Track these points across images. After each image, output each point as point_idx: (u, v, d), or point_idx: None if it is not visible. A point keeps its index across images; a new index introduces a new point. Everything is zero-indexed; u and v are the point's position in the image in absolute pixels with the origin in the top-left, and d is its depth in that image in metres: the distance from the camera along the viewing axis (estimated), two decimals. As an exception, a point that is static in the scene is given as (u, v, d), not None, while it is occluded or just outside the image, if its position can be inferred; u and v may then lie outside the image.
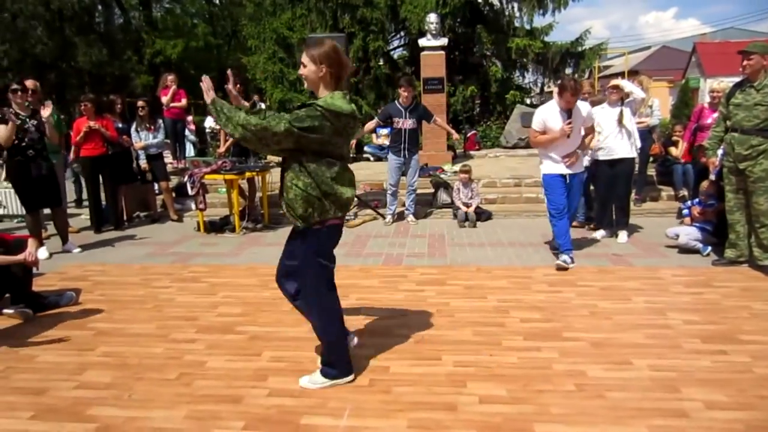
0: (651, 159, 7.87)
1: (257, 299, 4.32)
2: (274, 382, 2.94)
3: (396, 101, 7.03)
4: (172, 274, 5.07)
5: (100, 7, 12.72)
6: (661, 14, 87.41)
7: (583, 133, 5.17)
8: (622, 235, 5.99)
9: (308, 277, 2.87)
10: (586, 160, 5.94)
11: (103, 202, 7.19)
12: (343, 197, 2.78)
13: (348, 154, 2.95)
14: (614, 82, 6.03)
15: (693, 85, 25.34)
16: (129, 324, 3.85)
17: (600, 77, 21.38)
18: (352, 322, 3.76)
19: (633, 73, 8.75)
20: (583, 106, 5.11)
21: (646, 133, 6.98)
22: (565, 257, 4.94)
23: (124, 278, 4.99)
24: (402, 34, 15.77)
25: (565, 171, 5.06)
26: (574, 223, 6.72)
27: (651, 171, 8.03)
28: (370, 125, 7.34)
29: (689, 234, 5.39)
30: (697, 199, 5.85)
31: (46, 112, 5.67)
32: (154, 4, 27.74)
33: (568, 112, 4.94)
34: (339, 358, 2.92)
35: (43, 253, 5.66)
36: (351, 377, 2.93)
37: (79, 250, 6.00)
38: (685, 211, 5.99)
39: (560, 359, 3.17)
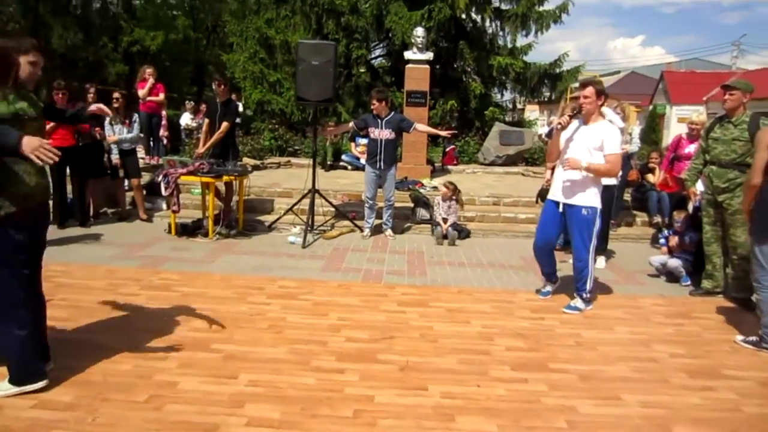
0: (627, 185, 7.95)
1: (232, 313, 4.11)
2: (252, 410, 2.76)
3: (369, 114, 6.94)
4: (141, 280, 4.82)
5: (77, -11, 12.33)
6: (628, 41, 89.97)
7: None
8: (601, 261, 5.98)
9: None
10: None
11: (69, 196, 6.84)
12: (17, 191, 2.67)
13: None
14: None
15: (660, 111, 26.05)
16: (94, 334, 3.62)
17: (571, 98, 21.79)
18: (334, 344, 3.62)
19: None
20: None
21: (625, 159, 7.03)
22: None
23: (88, 281, 4.71)
24: (385, 43, 15.70)
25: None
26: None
27: (627, 196, 8.12)
28: (344, 127, 7.37)
29: (674, 263, 5.44)
30: (672, 230, 5.90)
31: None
32: (134, -8, 27.18)
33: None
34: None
35: None
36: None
37: (40, 247, 5.67)
38: (662, 241, 6.03)
39: (549, 392, 3.09)
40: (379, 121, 6.74)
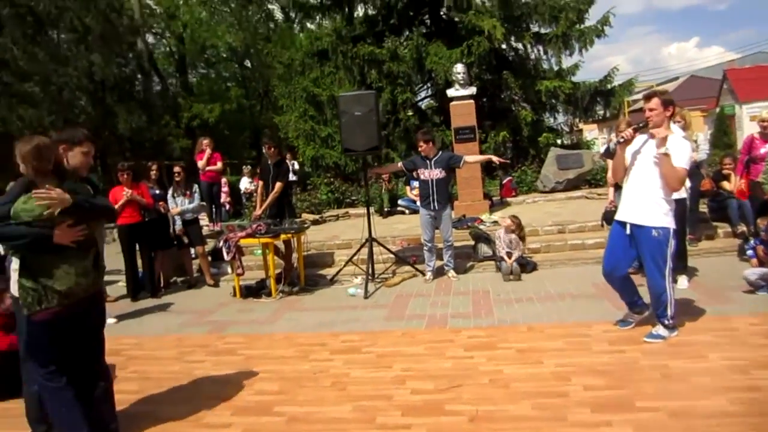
0: (701, 195, 7.44)
1: (295, 373, 4.06)
2: (317, 477, 2.65)
3: (418, 155, 6.90)
4: (208, 346, 4.87)
5: (139, 76, 13.29)
6: (683, 44, 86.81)
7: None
8: (682, 280, 5.55)
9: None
10: None
11: (140, 270, 7.14)
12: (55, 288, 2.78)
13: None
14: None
15: (728, 113, 24.72)
16: (161, 406, 3.64)
17: (630, 111, 21.04)
18: (399, 398, 3.47)
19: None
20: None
21: (694, 169, 6.59)
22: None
23: (158, 351, 4.82)
24: (429, 84, 15.85)
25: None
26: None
27: (703, 207, 7.59)
28: (391, 166, 7.34)
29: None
30: (758, 239, 5.41)
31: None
32: (190, 70, 29.03)
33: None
34: None
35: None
36: None
37: (114, 320, 5.89)
38: (750, 252, 5.53)
39: (637, 436, 2.80)
40: (428, 161, 6.69)
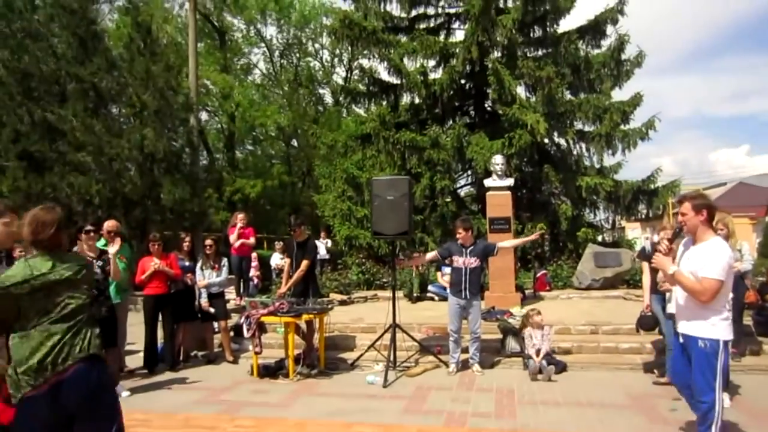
0: (746, 307, 7.05)
1: (300, 466, 3.85)
2: None
3: (454, 243, 6.86)
4: (216, 428, 4.72)
5: (188, 150, 14.00)
6: (732, 150, 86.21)
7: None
8: (725, 399, 5.14)
9: None
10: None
11: (161, 341, 7.11)
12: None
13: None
14: None
15: (780, 223, 23.95)
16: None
17: (674, 213, 20.68)
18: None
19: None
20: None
21: (738, 280, 6.28)
22: None
23: (164, 431, 4.67)
24: (468, 172, 16.04)
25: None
26: (664, 380, 5.96)
27: (747, 320, 7.16)
28: (428, 256, 7.47)
29: None
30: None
31: (113, 248, 5.81)
32: (238, 147, 30.37)
33: None
34: None
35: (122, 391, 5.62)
36: None
37: (127, 393, 5.81)
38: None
39: None
40: (464, 249, 6.64)
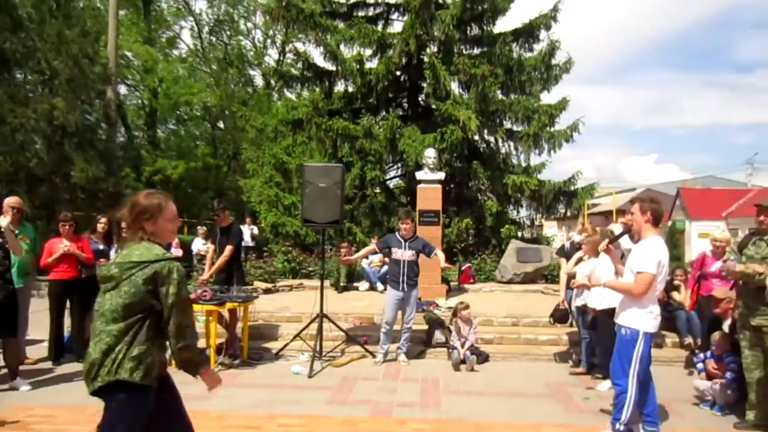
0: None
1: (221, 460, 3.70)
2: None
3: (396, 233, 6.84)
4: (130, 421, 4.43)
5: (103, 125, 13.02)
6: (642, 158, 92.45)
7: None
8: (605, 384, 5.52)
9: None
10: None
11: (68, 330, 6.61)
12: None
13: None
14: (611, 227, 5.91)
15: (679, 227, 25.90)
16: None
17: (589, 214, 21.82)
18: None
19: (620, 212, 8.74)
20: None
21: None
22: None
23: (72, 427, 4.34)
24: (399, 165, 16.13)
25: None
26: (579, 369, 6.25)
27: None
28: (364, 251, 7.51)
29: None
30: (709, 353, 5.41)
31: (4, 221, 5.31)
32: (160, 125, 28.93)
33: None
34: None
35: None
36: None
37: (28, 387, 5.33)
38: (699, 366, 5.51)
39: None
40: (403, 242, 6.63)
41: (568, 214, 15.77)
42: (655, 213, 4.15)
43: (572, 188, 14.82)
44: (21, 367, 5.66)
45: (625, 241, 5.30)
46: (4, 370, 5.58)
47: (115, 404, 2.46)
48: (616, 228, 5.72)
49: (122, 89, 25.21)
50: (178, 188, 22.23)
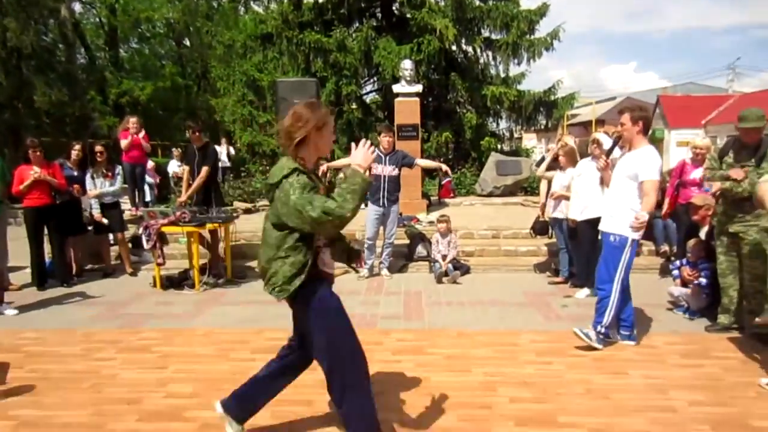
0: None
1: (212, 374, 3.81)
2: (225, 496, 2.44)
3: (375, 148, 6.73)
4: (120, 342, 4.51)
5: (61, 46, 12.26)
6: (621, 67, 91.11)
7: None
8: (583, 292, 5.78)
9: None
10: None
11: (48, 256, 6.58)
12: None
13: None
14: (595, 135, 5.86)
15: (659, 136, 26.01)
16: (58, 410, 3.29)
17: (569, 124, 21.77)
18: (320, 404, 3.30)
19: (600, 123, 8.70)
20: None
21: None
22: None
23: (62, 348, 4.40)
24: (375, 79, 15.71)
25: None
26: (557, 279, 6.44)
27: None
28: (341, 161, 7.21)
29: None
30: (685, 260, 5.57)
31: None
32: (122, 44, 27.45)
33: None
34: None
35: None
36: None
37: (14, 312, 5.38)
38: (675, 272, 5.68)
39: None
40: (383, 157, 6.55)
41: (549, 125, 15.71)
42: (647, 121, 4.22)
43: (552, 98, 14.67)
44: (6, 294, 5.65)
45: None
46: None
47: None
48: (601, 137, 5.69)
49: (77, 7, 23.59)
50: (148, 110, 21.49)
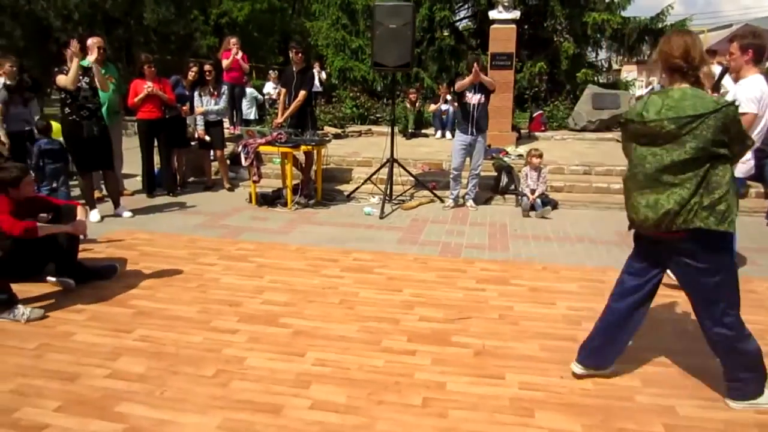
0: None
1: (305, 287, 4.05)
2: (318, 392, 2.66)
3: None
4: (220, 250, 4.87)
5: (170, -35, 12.72)
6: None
7: None
8: None
9: None
10: None
11: (157, 166, 7.09)
12: None
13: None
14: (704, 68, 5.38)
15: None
16: (170, 305, 3.66)
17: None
18: (406, 323, 3.45)
19: (712, 53, 7.90)
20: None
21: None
22: None
23: (171, 250, 4.83)
24: (470, 4, 15.02)
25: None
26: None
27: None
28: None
29: None
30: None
31: (91, 56, 5.50)
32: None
33: None
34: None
35: (94, 215, 5.64)
36: None
37: (130, 214, 5.93)
38: (783, 217, 5.31)
39: (643, 389, 2.76)
40: (474, 86, 6.37)
41: (654, 56, 14.49)
42: (758, 49, 3.78)
43: (660, 26, 13.42)
44: (120, 198, 6.22)
45: (727, 83, 4.89)
46: (108, 200, 6.18)
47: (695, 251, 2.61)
48: (714, 68, 5.24)
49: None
50: (244, 32, 21.86)
